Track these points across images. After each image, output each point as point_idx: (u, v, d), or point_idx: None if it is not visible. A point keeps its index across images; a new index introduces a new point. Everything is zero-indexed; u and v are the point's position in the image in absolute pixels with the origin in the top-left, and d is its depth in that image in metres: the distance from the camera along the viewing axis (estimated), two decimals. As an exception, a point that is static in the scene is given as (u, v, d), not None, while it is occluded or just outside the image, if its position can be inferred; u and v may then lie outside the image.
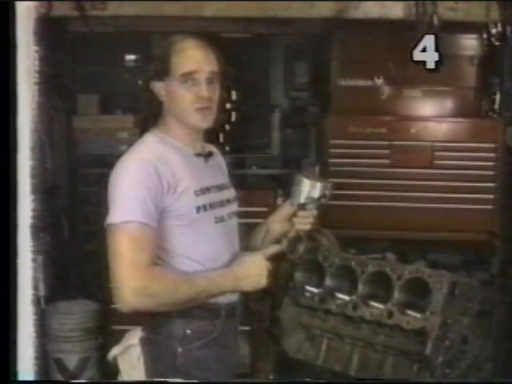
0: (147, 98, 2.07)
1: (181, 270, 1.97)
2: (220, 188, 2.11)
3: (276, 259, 2.05)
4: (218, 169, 2.20)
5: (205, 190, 2.02)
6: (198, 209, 1.99)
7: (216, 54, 2.05)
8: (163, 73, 2.01)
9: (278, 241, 2.15)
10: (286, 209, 2.20)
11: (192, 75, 1.99)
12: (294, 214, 2.15)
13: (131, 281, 1.85)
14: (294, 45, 4.60)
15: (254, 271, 2.00)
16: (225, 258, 2.07)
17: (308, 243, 2.14)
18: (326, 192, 2.14)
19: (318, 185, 2.13)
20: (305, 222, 2.16)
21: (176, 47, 2.01)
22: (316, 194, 2.13)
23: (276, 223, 2.21)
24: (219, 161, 2.24)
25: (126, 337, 2.09)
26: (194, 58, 2.00)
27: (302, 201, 2.13)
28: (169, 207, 1.94)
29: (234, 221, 2.15)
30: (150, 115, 2.11)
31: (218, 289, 1.98)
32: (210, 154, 2.14)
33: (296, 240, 2.12)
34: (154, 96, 2.05)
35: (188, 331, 1.99)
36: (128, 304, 1.87)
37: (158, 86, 2.03)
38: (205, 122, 2.03)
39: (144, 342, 2.03)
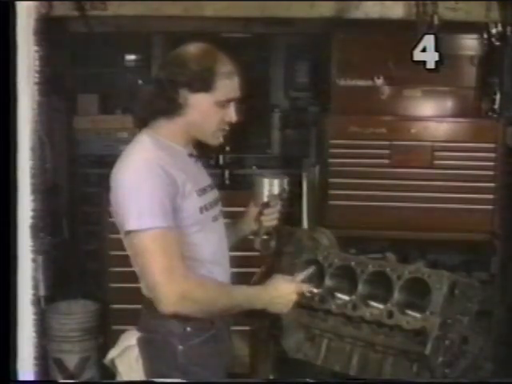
0: (165, 98, 1.98)
1: (219, 281, 2.02)
2: (211, 187, 2.12)
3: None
4: (203, 169, 2.18)
5: (203, 190, 2.03)
6: (201, 209, 2.00)
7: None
8: (199, 88, 1.96)
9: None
10: (251, 210, 2.26)
11: (231, 102, 2.01)
12: (260, 213, 2.23)
13: (172, 285, 1.85)
14: (294, 45, 4.60)
15: (285, 299, 2.06)
16: (220, 255, 2.09)
17: (278, 238, 2.25)
18: (285, 187, 2.25)
19: (276, 181, 2.23)
20: (271, 218, 2.24)
21: (221, 68, 1.97)
22: (275, 190, 2.23)
23: (244, 225, 2.28)
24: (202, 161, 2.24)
25: (122, 338, 2.08)
26: (236, 86, 2.02)
27: (265, 199, 2.23)
28: (178, 208, 1.93)
29: (222, 219, 2.16)
30: (148, 115, 2.08)
31: (250, 305, 2.03)
32: (200, 155, 2.14)
33: (267, 239, 2.24)
34: (174, 100, 1.98)
35: (188, 328, 1.98)
36: (172, 307, 1.88)
37: (185, 95, 1.97)
38: (219, 140, 2.07)
39: (142, 342, 2.02)
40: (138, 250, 1.89)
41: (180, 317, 1.96)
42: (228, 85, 1.98)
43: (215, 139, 2.06)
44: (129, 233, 1.89)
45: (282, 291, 2.05)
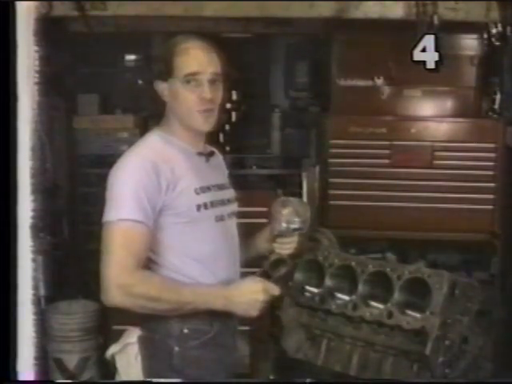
0: (150, 97, 2.07)
1: (171, 278, 1.97)
2: (220, 187, 2.11)
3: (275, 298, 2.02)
4: (219, 169, 2.21)
5: (205, 189, 2.03)
6: (199, 207, 1.99)
7: (219, 55, 2.05)
8: (166, 73, 2.01)
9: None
10: (266, 234, 2.21)
11: (195, 76, 1.99)
12: (274, 240, 2.16)
13: (117, 278, 1.87)
14: (294, 45, 4.60)
15: (247, 300, 1.98)
16: (224, 257, 2.07)
17: (290, 265, 2.16)
18: (305, 223, 2.15)
19: (296, 219, 2.14)
20: (285, 247, 2.17)
21: (179, 48, 2.01)
22: (295, 225, 2.14)
23: (261, 242, 2.23)
24: (220, 161, 2.25)
25: (125, 335, 2.10)
26: (196, 59, 2.00)
27: (281, 230, 2.14)
28: (169, 205, 1.95)
29: (234, 221, 2.15)
30: (152, 114, 2.12)
31: (206, 305, 1.96)
32: (211, 154, 2.16)
33: (277, 262, 2.15)
34: (157, 96, 2.05)
35: (185, 330, 1.99)
36: (111, 300, 1.89)
37: (161, 87, 2.03)
38: (207, 124, 2.04)
39: (142, 341, 2.03)
40: (102, 240, 1.92)
41: (178, 318, 1.96)
42: (185, 60, 1.99)
43: (201, 122, 2.02)
44: (103, 224, 1.93)
45: (246, 289, 1.98)
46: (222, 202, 2.09)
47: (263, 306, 1.99)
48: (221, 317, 2.03)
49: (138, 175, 1.91)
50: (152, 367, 2.01)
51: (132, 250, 1.89)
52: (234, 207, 2.16)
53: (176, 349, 1.98)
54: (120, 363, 2.08)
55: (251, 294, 1.98)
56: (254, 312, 1.99)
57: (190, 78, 1.99)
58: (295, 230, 2.14)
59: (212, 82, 2.01)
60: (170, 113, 2.06)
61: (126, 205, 1.90)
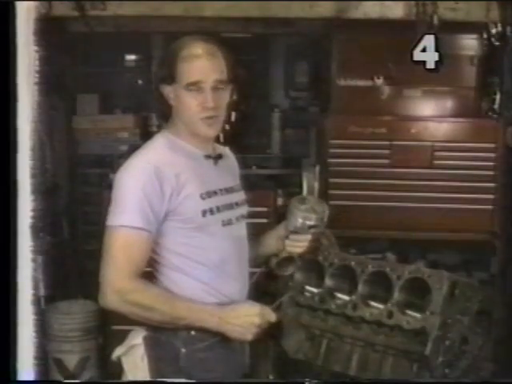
0: (157, 99, 2.05)
1: (168, 291, 1.97)
2: (228, 191, 2.08)
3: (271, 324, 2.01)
4: (228, 171, 2.16)
5: (211, 194, 2.01)
6: (204, 212, 1.97)
7: (226, 58, 2.02)
8: (170, 78, 1.99)
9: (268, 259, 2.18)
10: (280, 230, 2.19)
11: (197, 85, 1.96)
12: (287, 237, 2.15)
13: (114, 284, 1.89)
14: (294, 45, 4.60)
15: (242, 322, 1.96)
16: (233, 259, 2.05)
17: (299, 263, 2.16)
18: (323, 220, 2.13)
19: (313, 216, 2.11)
20: (297, 245, 2.15)
21: (183, 53, 1.97)
22: (311, 222, 2.12)
23: (271, 240, 2.22)
24: (230, 163, 2.21)
25: (130, 336, 2.08)
26: (198, 68, 1.96)
27: (297, 226, 2.13)
28: (173, 211, 1.94)
29: (243, 224, 2.12)
30: (161, 116, 2.11)
31: (200, 322, 1.95)
32: (219, 157, 2.12)
33: (287, 260, 2.15)
34: (163, 98, 2.03)
35: (192, 332, 1.97)
36: (107, 304, 1.93)
37: (167, 90, 2.01)
38: (211, 131, 2.01)
39: (147, 342, 2.01)
40: (104, 243, 1.93)
41: None
42: (187, 68, 1.96)
43: (205, 128, 2.00)
44: (106, 227, 1.95)
45: (242, 312, 1.97)
46: (230, 206, 2.06)
47: (258, 331, 1.98)
48: None
49: (141, 181, 1.90)
50: (158, 368, 1.99)
51: (131, 258, 1.90)
52: (243, 210, 2.13)
53: (183, 350, 1.97)
54: (126, 365, 2.05)
55: (247, 317, 1.96)
56: (248, 336, 1.98)
57: (192, 87, 1.96)
58: (311, 227, 2.12)
59: (215, 89, 1.98)
60: (176, 116, 2.04)
61: (128, 211, 1.90)
